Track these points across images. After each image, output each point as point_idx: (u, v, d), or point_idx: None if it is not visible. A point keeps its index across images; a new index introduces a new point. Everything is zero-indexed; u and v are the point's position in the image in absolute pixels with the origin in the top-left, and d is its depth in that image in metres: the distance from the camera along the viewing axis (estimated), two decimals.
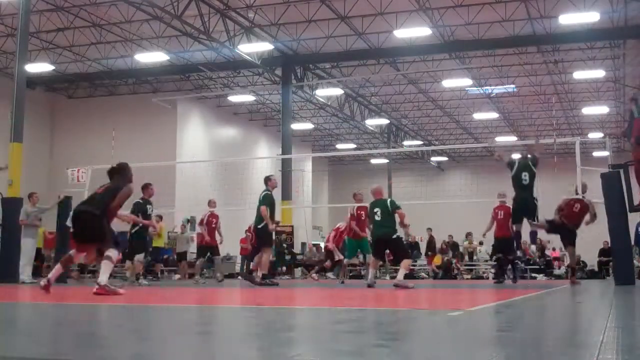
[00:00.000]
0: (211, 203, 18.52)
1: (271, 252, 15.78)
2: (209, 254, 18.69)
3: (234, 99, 33.25)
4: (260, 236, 14.36)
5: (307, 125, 38.49)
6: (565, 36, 24.81)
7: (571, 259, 14.78)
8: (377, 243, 12.77)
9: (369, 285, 12.33)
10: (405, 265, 12.51)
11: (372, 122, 37.04)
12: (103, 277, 8.85)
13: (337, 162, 47.65)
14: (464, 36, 25.26)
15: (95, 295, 8.33)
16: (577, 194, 14.02)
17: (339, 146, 43.15)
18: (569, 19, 22.66)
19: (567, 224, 14.04)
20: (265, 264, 14.52)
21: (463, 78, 29.57)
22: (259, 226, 14.17)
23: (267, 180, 14.61)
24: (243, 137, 36.93)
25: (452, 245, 28.45)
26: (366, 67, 29.48)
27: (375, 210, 12.30)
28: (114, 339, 3.76)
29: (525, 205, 13.61)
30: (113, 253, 9.07)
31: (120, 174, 9.46)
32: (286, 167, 28.35)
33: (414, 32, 24.29)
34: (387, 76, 30.68)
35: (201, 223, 18.31)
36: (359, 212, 16.07)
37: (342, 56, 27.49)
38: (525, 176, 13.41)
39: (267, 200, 14.09)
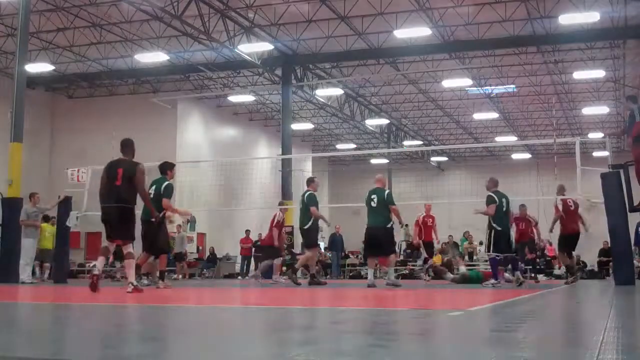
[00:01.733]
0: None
1: (317, 251, 15.99)
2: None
3: (234, 99, 33.21)
4: (308, 236, 14.47)
5: (307, 125, 38.46)
6: (565, 36, 24.78)
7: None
8: (368, 234, 12.85)
9: (369, 286, 12.39)
10: (391, 262, 12.81)
11: (372, 122, 37.01)
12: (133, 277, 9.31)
13: (337, 162, 47.62)
14: (464, 36, 25.26)
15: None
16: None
17: (339, 146, 43.15)
18: (569, 19, 22.65)
19: None
20: (313, 263, 14.77)
21: (463, 78, 29.54)
22: (305, 227, 14.27)
23: (311, 181, 14.83)
24: (243, 137, 36.91)
25: (452, 246, 28.42)
26: (366, 67, 29.49)
27: (373, 197, 12.50)
28: (114, 338, 3.75)
29: (508, 236, 13.60)
30: (131, 248, 9.48)
31: (129, 148, 9.80)
32: (286, 167, 28.35)
33: (414, 32, 24.26)
34: (387, 76, 30.68)
35: (277, 226, 17.89)
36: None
37: (342, 56, 27.46)
38: (504, 202, 13.33)
39: (313, 201, 14.23)
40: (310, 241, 14.58)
